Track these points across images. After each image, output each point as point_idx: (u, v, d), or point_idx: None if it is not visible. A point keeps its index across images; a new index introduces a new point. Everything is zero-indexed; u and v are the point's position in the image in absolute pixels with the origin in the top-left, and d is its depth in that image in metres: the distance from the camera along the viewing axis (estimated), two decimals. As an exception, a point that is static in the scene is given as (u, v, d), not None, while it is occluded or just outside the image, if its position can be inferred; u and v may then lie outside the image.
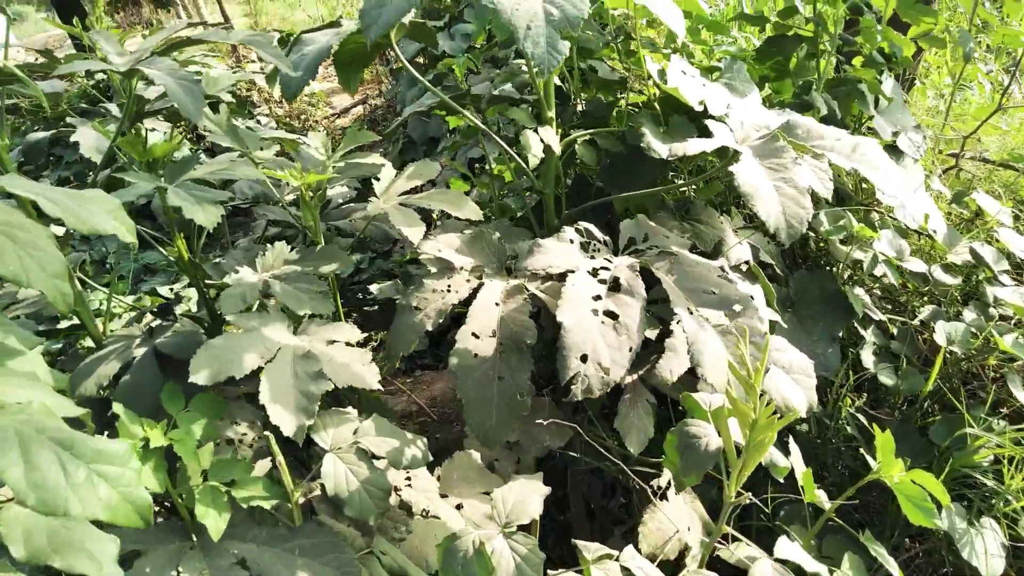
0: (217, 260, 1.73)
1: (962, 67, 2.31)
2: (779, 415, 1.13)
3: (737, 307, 1.22)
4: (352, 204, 1.83)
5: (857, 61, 2.28)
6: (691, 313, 1.20)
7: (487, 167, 2.61)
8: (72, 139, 1.79)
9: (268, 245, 1.55)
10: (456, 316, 1.49)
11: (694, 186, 1.88)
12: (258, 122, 5.41)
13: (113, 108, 2.07)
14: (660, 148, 1.55)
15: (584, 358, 1.17)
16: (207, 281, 1.47)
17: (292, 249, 1.49)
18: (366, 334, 2.40)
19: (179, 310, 1.91)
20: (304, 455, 1.52)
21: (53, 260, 0.83)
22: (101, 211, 0.92)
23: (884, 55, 2.15)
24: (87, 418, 0.92)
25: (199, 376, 1.14)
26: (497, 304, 1.38)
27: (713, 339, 1.18)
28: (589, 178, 2.06)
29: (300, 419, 1.17)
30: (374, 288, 2.67)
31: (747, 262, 1.80)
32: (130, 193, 1.22)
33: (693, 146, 1.33)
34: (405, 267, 3.07)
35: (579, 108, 2.17)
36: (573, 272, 1.27)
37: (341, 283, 2.48)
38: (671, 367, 1.54)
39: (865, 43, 2.13)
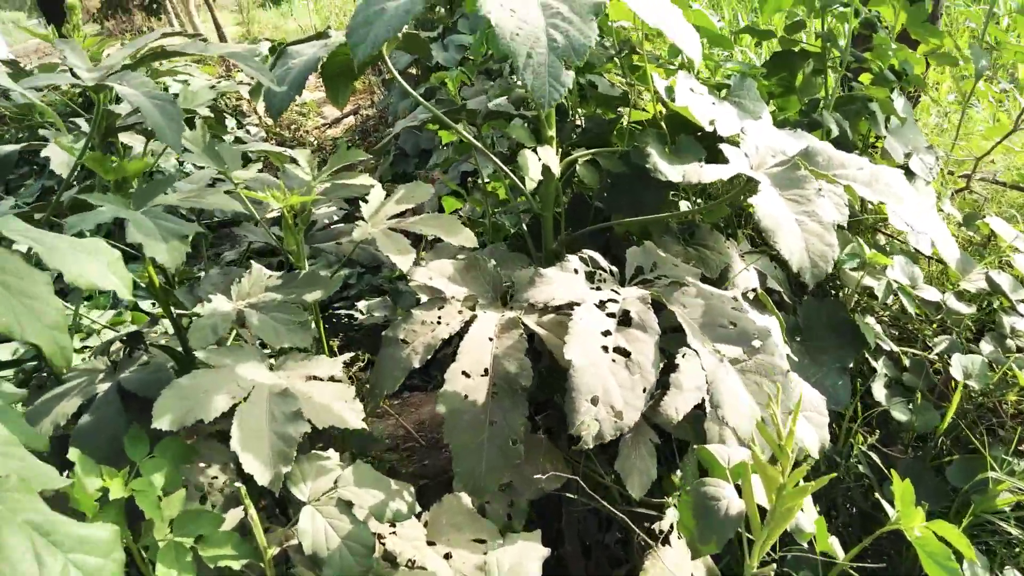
0: (199, 274, 1.62)
1: (973, 85, 2.24)
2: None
3: (756, 342, 1.13)
4: (340, 225, 1.73)
5: (864, 78, 2.20)
6: (708, 349, 1.10)
7: (480, 181, 2.52)
8: (43, 154, 1.69)
9: (250, 264, 1.45)
10: (450, 338, 1.39)
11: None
12: (247, 132, 5.30)
13: (85, 123, 1.96)
14: (667, 171, 1.46)
15: (594, 400, 1.07)
16: (178, 311, 1.36)
17: (272, 274, 1.38)
18: (352, 354, 2.30)
19: (159, 329, 1.80)
20: (282, 495, 1.41)
21: (51, 311, 0.76)
22: (100, 264, 0.85)
23: (894, 72, 2.08)
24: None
25: (162, 421, 1.03)
26: (491, 339, 1.28)
27: (732, 377, 1.09)
28: (588, 197, 1.96)
29: (276, 466, 1.06)
30: (362, 305, 2.56)
31: (755, 289, 1.71)
32: (92, 220, 1.12)
33: (709, 173, 1.24)
34: (395, 283, 2.96)
35: (577, 124, 2.08)
36: (579, 305, 1.18)
37: (328, 300, 2.36)
38: (676, 404, 1.44)
39: (876, 60, 2.05)
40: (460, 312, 1.34)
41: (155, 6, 9.60)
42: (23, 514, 0.63)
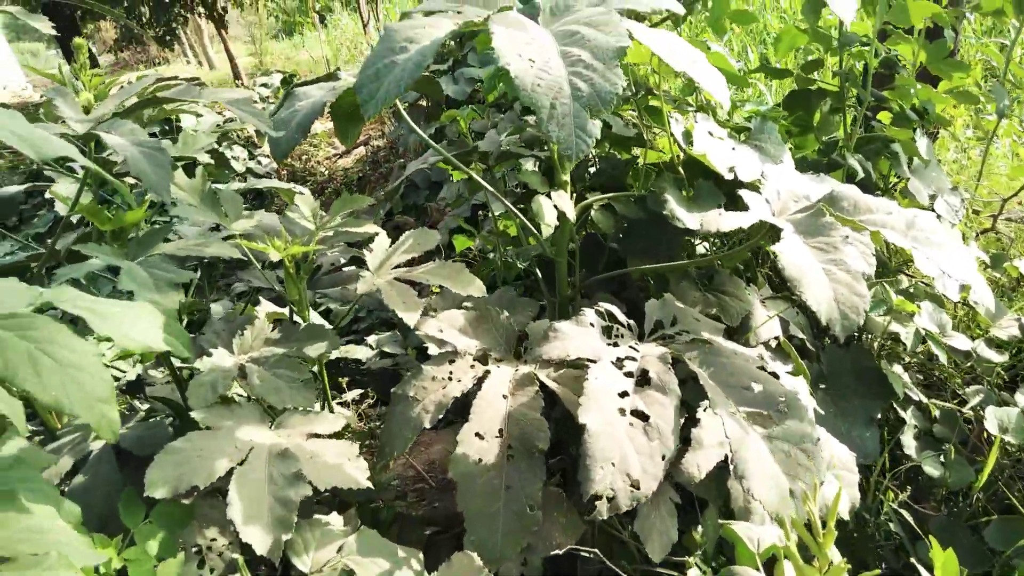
0: (208, 306, 1.57)
1: (996, 124, 2.18)
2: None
3: (782, 407, 1.06)
4: (346, 269, 1.68)
5: (883, 116, 2.15)
6: (731, 414, 1.04)
7: (490, 215, 2.47)
8: (47, 195, 1.66)
9: (258, 299, 1.39)
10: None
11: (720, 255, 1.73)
12: (259, 162, 5.30)
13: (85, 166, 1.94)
14: (685, 218, 1.41)
15: (610, 467, 1.00)
16: (178, 364, 1.31)
17: (274, 327, 1.33)
18: (360, 392, 2.24)
19: (163, 371, 1.74)
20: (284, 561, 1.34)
21: (99, 384, 0.74)
22: (152, 327, 0.85)
23: (916, 112, 2.03)
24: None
25: (156, 490, 0.97)
26: (505, 397, 1.22)
27: (758, 446, 1.02)
28: (602, 238, 1.91)
29: (275, 533, 1.00)
30: (372, 339, 2.50)
31: (777, 337, 1.64)
32: (83, 270, 1.07)
33: (728, 221, 1.19)
34: (404, 319, 2.90)
35: (590, 165, 2.04)
36: (595, 362, 1.11)
37: (338, 332, 2.31)
38: (698, 461, 1.37)
39: (897, 100, 2.00)
40: (472, 367, 1.28)
41: (169, 38, 9.73)
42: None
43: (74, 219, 1.65)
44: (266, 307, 1.82)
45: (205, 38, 13.90)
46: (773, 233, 1.20)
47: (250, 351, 1.27)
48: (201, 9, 9.24)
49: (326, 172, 6.38)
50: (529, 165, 1.98)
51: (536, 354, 1.20)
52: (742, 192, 1.28)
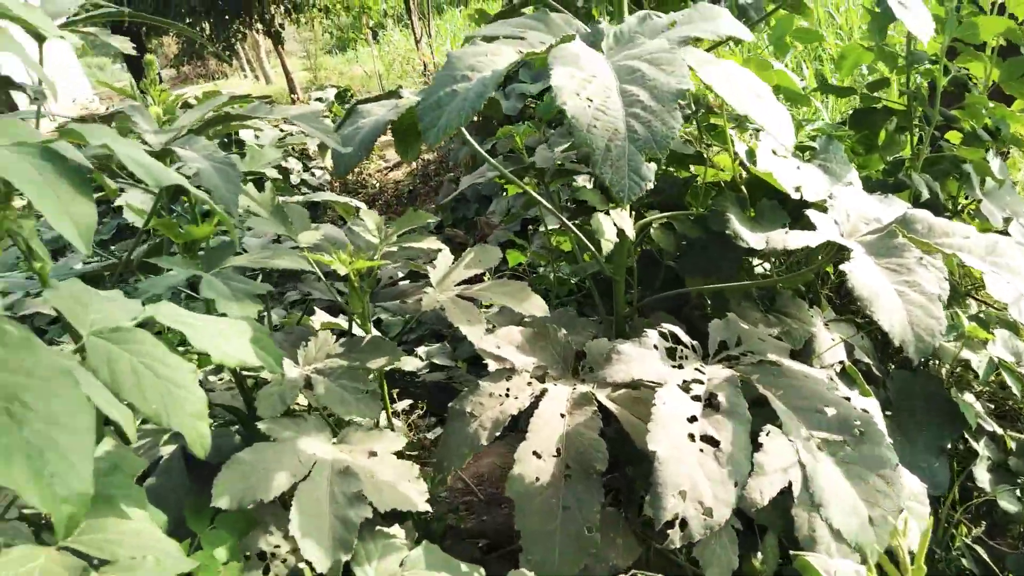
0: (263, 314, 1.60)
1: (1074, 144, 2.09)
2: None
3: (858, 431, 1.03)
4: (404, 283, 1.70)
5: (952, 136, 2.09)
6: (805, 438, 1.01)
7: (540, 230, 2.46)
8: (115, 203, 1.72)
9: (312, 308, 1.42)
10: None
11: (780, 275, 1.70)
12: (312, 175, 5.41)
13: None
14: (749, 237, 1.38)
15: (682, 495, 0.98)
16: (244, 372, 1.34)
17: (337, 339, 1.35)
18: (410, 402, 2.25)
19: (224, 377, 1.79)
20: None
21: (195, 399, 0.76)
22: (246, 344, 0.87)
23: (988, 131, 1.96)
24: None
25: (222, 501, 0.99)
26: (562, 415, 1.21)
27: (834, 472, 0.99)
28: (658, 255, 1.89)
29: (336, 554, 1.01)
30: (422, 351, 2.52)
31: (842, 361, 1.60)
32: (164, 283, 1.11)
33: (795, 240, 1.16)
34: (456, 329, 2.91)
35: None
36: (661, 386, 1.10)
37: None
38: (761, 488, 1.33)
39: (967, 119, 1.94)
40: (529, 384, 1.28)
41: (228, 53, 10.06)
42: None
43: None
44: (320, 316, 1.86)
45: (262, 53, 14.33)
46: (844, 254, 1.17)
47: (314, 362, 1.29)
48: (259, 25, 9.54)
49: (377, 184, 6.48)
50: (581, 180, 1.98)
51: (599, 376, 1.19)
52: (810, 212, 1.26)
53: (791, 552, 1.08)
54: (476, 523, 2.41)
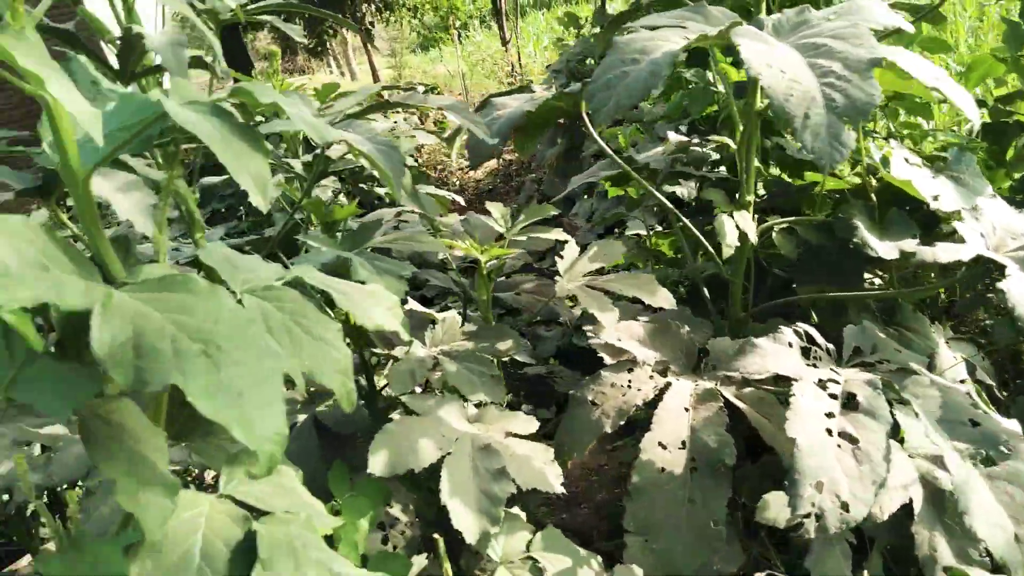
0: None
1: None
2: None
3: (1005, 447, 1.01)
4: (517, 276, 1.74)
5: (1086, 153, 1.99)
6: (951, 448, 1.00)
7: (632, 235, 2.47)
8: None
9: (429, 315, 1.47)
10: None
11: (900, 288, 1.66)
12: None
13: (296, 164, 2.10)
14: (877, 246, 1.37)
15: (819, 486, 0.99)
16: (373, 350, 1.40)
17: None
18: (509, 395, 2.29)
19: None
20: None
21: (342, 356, 0.78)
22: (383, 308, 0.89)
23: None
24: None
25: (377, 467, 1.05)
26: (687, 409, 1.22)
27: (981, 484, 0.98)
28: (765, 262, 1.88)
29: (483, 524, 1.04)
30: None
31: (963, 381, 1.56)
32: (316, 259, 1.18)
33: (945, 253, 1.15)
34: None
35: (758, 190, 2.01)
36: (796, 381, 1.10)
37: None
38: (881, 503, 1.32)
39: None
40: (651, 377, 1.30)
41: (319, 49, 10.40)
42: (314, 552, 0.65)
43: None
44: (411, 306, 1.92)
45: (350, 49, 14.75)
46: (997, 270, 1.15)
47: (441, 344, 1.35)
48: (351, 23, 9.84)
49: (458, 183, 6.59)
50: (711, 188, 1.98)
51: (728, 368, 1.20)
52: (957, 225, 1.23)
53: (945, 567, 1.07)
54: (556, 521, 2.44)
